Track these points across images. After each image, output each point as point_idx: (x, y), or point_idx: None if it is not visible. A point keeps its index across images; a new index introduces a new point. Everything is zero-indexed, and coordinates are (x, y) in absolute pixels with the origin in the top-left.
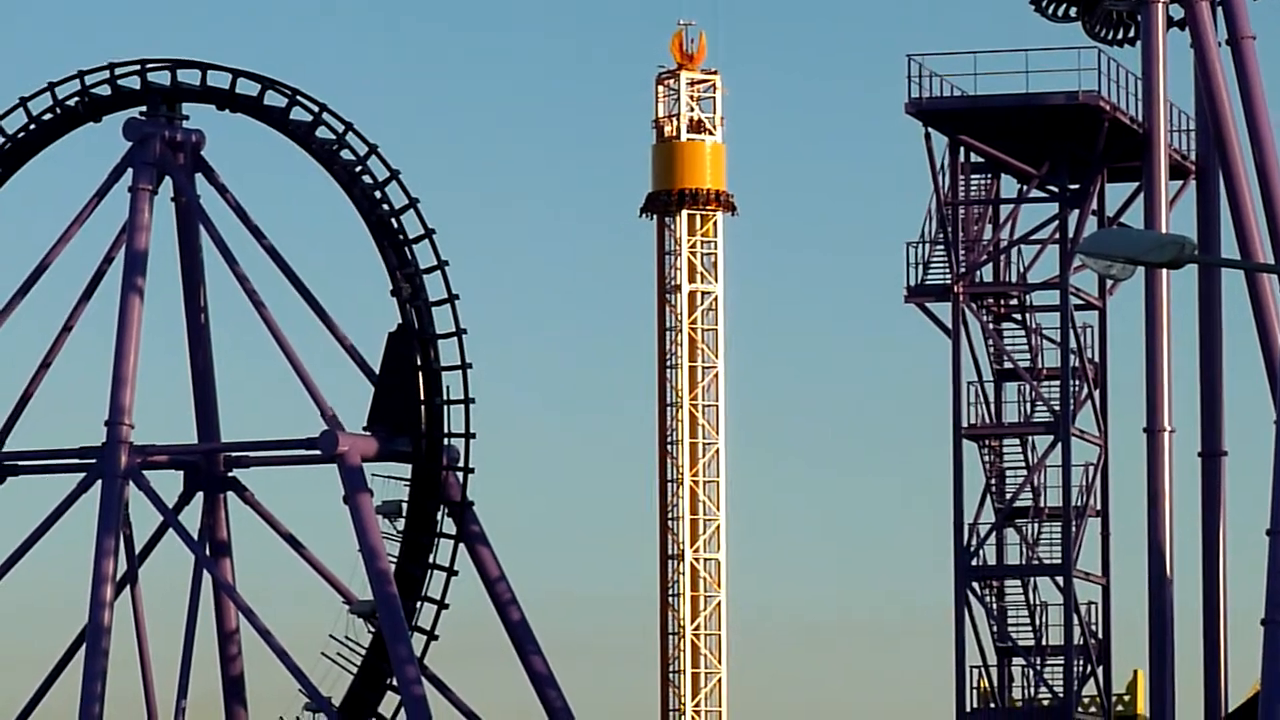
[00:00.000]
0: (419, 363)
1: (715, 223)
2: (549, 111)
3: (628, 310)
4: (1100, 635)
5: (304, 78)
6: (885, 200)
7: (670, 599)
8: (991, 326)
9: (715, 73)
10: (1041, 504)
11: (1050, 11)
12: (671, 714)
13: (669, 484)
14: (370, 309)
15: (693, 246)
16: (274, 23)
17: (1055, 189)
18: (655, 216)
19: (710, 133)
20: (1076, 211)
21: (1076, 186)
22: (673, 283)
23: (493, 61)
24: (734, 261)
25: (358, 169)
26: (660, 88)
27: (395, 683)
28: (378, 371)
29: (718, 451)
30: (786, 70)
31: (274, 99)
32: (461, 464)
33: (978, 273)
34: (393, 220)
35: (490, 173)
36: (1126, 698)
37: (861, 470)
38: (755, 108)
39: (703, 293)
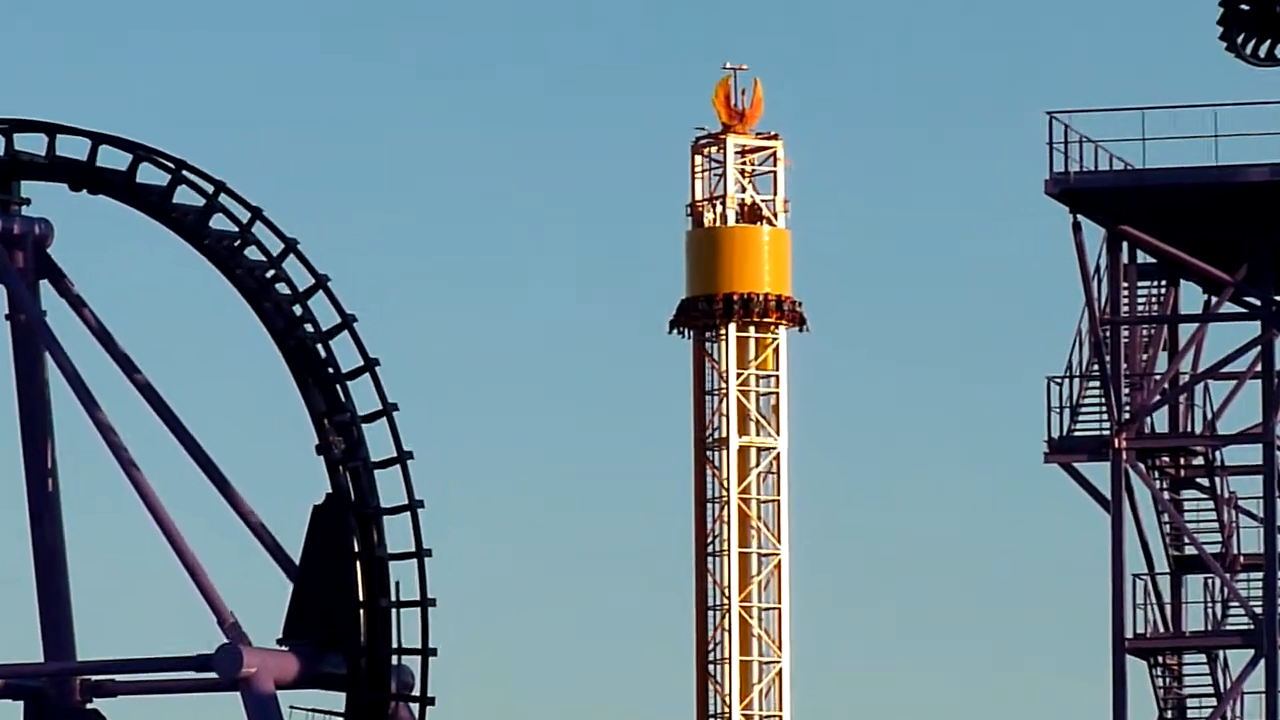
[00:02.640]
0: (356, 549)
1: (777, 345)
2: (545, 194)
3: (652, 472)
4: None
5: (197, 147)
6: (1017, 316)
7: None
8: (1168, 496)
9: (776, 137)
10: None
11: (1248, 51)
12: None
13: None
14: (288, 472)
15: (744, 381)
16: (163, 72)
17: (1257, 301)
18: (691, 334)
19: (769, 220)
20: None
21: None
22: (716, 434)
23: (465, 119)
24: (803, 401)
25: (270, 274)
26: (698, 158)
27: None
28: (298, 561)
29: (780, 674)
30: (875, 133)
31: (150, 174)
32: (417, 692)
33: (1148, 420)
34: (319, 346)
35: (461, 278)
36: None
37: (984, 696)
38: (832, 185)
39: (759, 448)
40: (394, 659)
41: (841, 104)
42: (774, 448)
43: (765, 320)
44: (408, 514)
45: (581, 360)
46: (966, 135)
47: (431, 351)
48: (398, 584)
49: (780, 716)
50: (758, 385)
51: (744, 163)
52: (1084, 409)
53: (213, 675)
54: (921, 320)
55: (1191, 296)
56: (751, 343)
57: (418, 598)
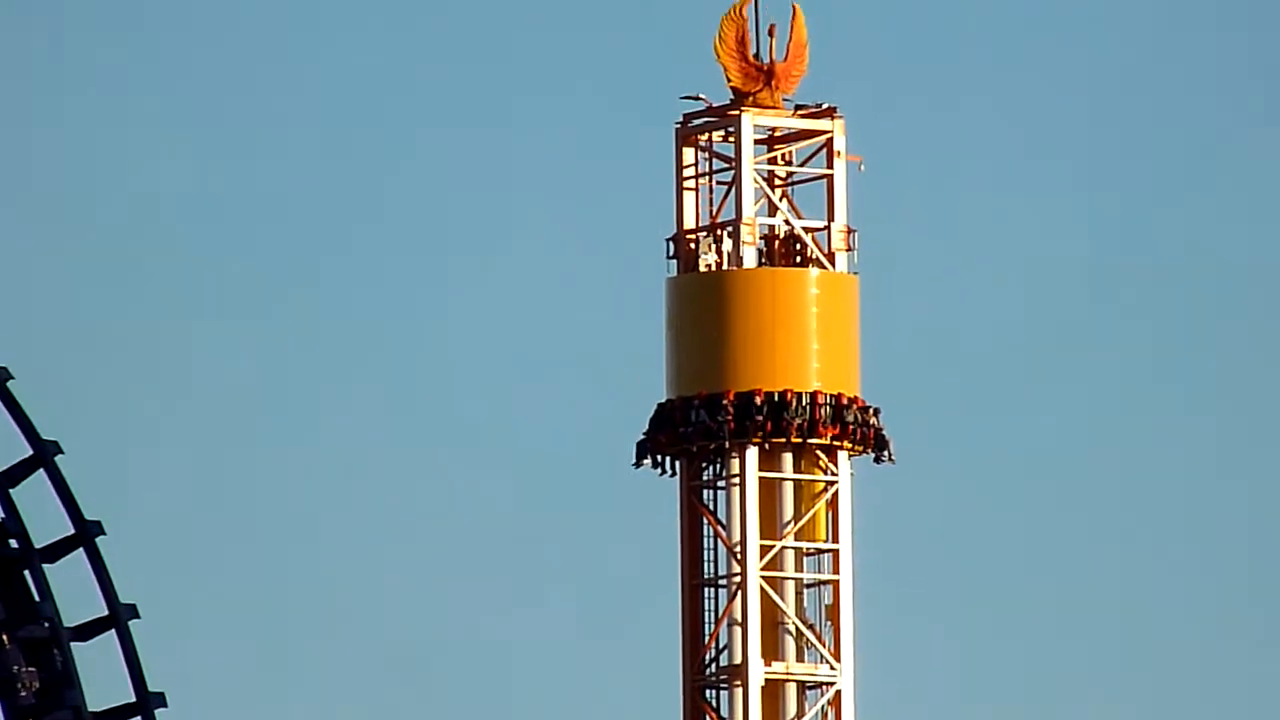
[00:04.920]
0: None
1: (836, 492)
2: (418, 214)
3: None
4: None
5: None
6: (1269, 424)
7: None
8: None
9: (831, 113)
10: None
11: None
12: None
13: None
14: None
15: (773, 560)
16: None
17: None
18: (677, 468)
19: (820, 262)
20: None
21: None
22: (723, 658)
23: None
24: (881, 597)
25: None
26: (690, 152)
27: None
28: None
29: None
30: (1005, 101)
31: None
32: None
33: None
34: None
35: (292, 365)
36: None
37: None
38: (930, 195)
39: (803, 684)
40: None
41: (943, 52)
42: (831, 683)
43: (814, 443)
44: None
45: (485, 516)
46: (1155, 105)
47: (197, 504)
48: None
49: None
50: (800, 567)
51: (775, 156)
52: None
53: None
54: (1093, 436)
55: None
56: (788, 488)
57: None
